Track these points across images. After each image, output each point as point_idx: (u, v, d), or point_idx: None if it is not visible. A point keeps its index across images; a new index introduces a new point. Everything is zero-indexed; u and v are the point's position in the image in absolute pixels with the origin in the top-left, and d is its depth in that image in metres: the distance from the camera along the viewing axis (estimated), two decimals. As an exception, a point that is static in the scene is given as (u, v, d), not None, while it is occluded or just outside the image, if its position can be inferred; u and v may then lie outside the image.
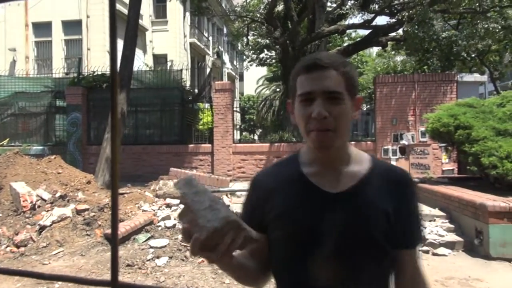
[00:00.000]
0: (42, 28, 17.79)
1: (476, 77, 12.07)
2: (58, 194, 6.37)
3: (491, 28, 11.31)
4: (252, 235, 0.84)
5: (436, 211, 6.27)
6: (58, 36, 17.69)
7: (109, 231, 5.53)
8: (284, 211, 0.97)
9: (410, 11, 11.52)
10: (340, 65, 0.92)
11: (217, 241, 0.77)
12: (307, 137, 0.94)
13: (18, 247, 5.32)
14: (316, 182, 0.96)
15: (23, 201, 6.04)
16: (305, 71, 0.94)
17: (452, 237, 5.46)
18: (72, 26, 17.42)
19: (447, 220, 5.99)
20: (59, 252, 5.15)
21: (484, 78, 13.84)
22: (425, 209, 6.16)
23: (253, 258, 1.01)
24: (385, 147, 10.80)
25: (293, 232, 0.95)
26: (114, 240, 0.32)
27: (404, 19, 11.92)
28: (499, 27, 11.50)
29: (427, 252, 5.14)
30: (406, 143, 10.84)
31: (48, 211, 5.96)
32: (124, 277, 4.38)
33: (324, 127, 0.90)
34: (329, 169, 0.96)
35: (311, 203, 0.94)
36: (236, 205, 7.28)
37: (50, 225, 5.62)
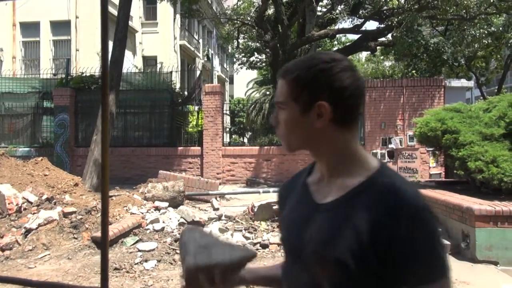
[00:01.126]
0: (30, 28, 17.58)
1: (463, 82, 12.27)
2: (44, 197, 6.27)
3: (477, 35, 11.53)
4: (231, 267, 0.92)
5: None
6: (46, 37, 17.49)
7: (96, 234, 5.47)
8: (283, 217, 1.00)
9: (399, 17, 11.67)
10: (288, 72, 0.90)
11: (197, 284, 0.92)
12: None
13: (3, 250, 5.22)
14: (313, 191, 0.94)
15: (9, 204, 5.94)
16: None
17: (439, 240, 5.50)
18: (61, 27, 17.24)
19: (434, 224, 6.03)
20: (45, 255, 5.07)
21: (471, 83, 14.07)
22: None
23: None
24: (374, 151, 10.91)
25: (283, 239, 0.98)
26: (104, 248, 0.31)
27: (393, 24, 12.08)
28: (485, 32, 11.72)
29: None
30: (394, 147, 10.95)
31: (34, 213, 5.86)
32: (111, 280, 4.32)
33: (277, 134, 0.95)
34: (326, 178, 0.92)
35: (301, 212, 0.93)
36: (225, 208, 7.26)
37: (36, 228, 5.53)
